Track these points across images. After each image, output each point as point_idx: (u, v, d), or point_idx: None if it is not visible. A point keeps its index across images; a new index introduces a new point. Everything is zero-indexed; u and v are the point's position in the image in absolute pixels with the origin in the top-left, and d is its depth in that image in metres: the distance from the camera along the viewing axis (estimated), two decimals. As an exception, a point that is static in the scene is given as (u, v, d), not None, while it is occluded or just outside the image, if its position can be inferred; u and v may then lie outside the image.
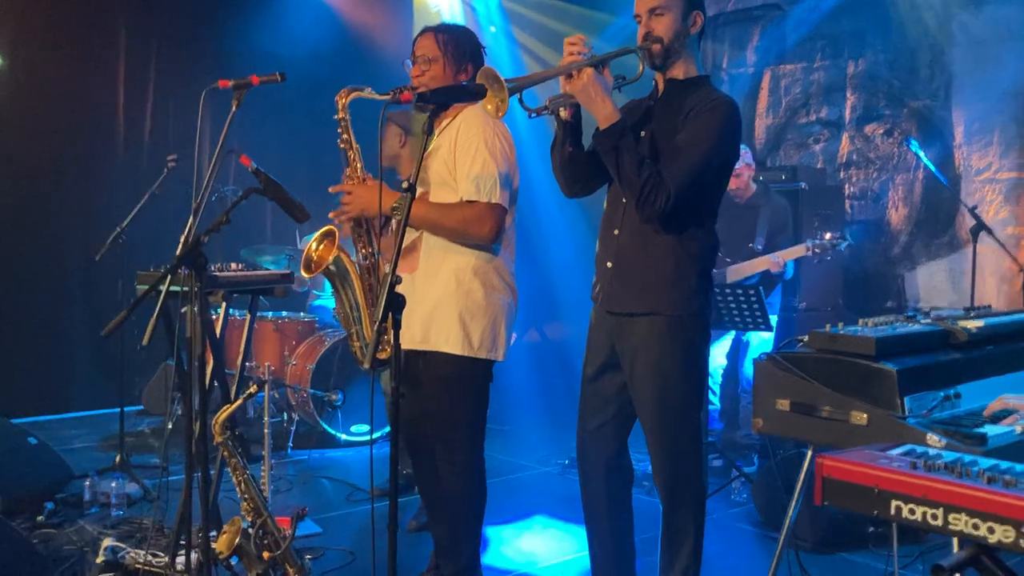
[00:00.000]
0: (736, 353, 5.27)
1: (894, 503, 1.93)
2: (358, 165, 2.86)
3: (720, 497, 4.55)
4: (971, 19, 5.67)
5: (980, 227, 4.61)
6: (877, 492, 1.96)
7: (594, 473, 2.91)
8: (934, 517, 1.88)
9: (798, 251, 4.74)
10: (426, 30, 2.95)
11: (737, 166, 4.91)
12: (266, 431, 3.51)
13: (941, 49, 5.82)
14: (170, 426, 5.54)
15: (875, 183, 6.15)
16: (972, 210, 4.83)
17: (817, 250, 4.68)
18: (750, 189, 5.14)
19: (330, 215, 2.88)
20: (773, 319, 4.92)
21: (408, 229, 2.85)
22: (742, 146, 5.17)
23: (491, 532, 4.11)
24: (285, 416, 5.88)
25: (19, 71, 6.10)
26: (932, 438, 2.30)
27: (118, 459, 4.75)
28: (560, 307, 6.90)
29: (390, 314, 2.22)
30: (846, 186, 6.22)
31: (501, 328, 2.94)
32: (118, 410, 5.00)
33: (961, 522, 1.84)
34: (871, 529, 3.94)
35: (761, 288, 4.37)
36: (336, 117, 2.83)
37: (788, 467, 4.01)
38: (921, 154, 4.85)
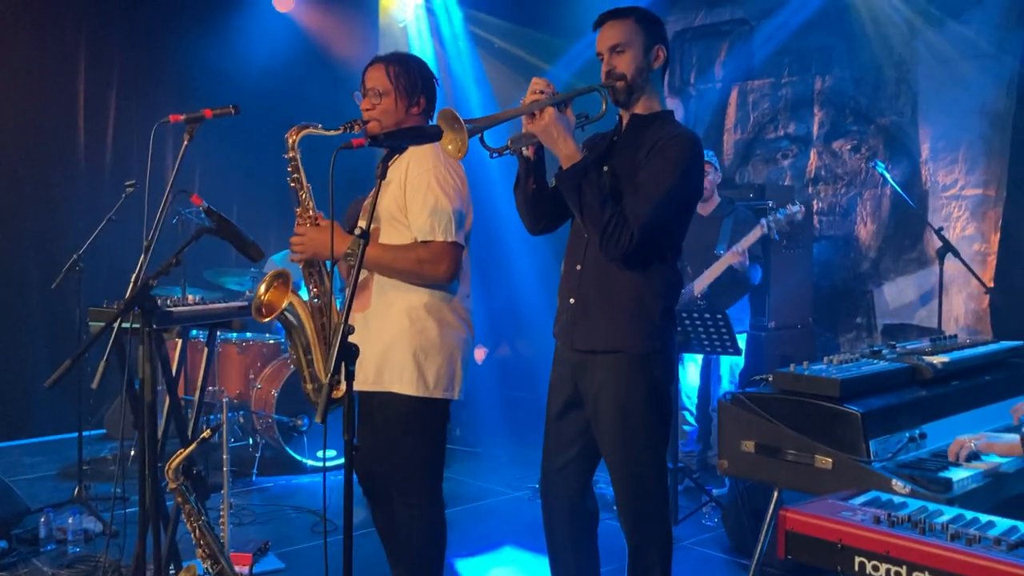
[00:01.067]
0: (708, 370, 5.25)
1: (857, 559, 1.90)
2: (310, 204, 2.78)
3: (691, 522, 4.51)
4: (935, 37, 5.68)
5: (947, 249, 4.60)
6: (840, 547, 1.93)
7: (558, 515, 2.85)
8: (897, 574, 1.85)
9: (755, 234, 4.69)
10: (376, 61, 2.87)
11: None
12: (225, 468, 3.42)
13: (907, 66, 5.83)
14: (132, 453, 5.41)
15: (843, 198, 6.15)
16: (939, 232, 4.83)
17: (773, 225, 4.64)
18: (715, 198, 5.14)
19: (290, 259, 2.81)
20: (742, 339, 4.90)
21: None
22: (707, 151, 5.16)
23: (458, 565, 4.04)
24: (250, 441, 5.77)
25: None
26: (897, 485, 2.27)
27: (76, 492, 4.62)
28: (528, 322, 6.86)
29: (343, 364, 2.15)
30: (815, 201, 6.22)
31: (457, 366, 2.86)
32: (76, 434, 4.88)
33: (924, 581, 1.81)
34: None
35: (728, 313, 4.34)
36: (286, 156, 2.75)
37: (755, 494, 3.98)
38: (887, 175, 4.85)
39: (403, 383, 2.76)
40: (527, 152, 2.66)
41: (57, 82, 6.40)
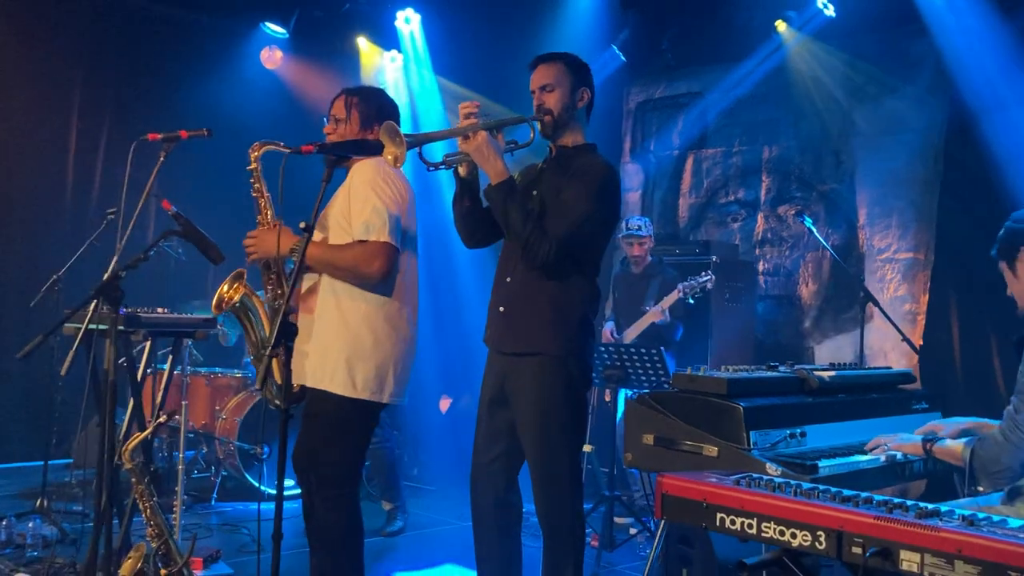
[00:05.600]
0: None
1: (719, 515, 2.18)
2: (268, 212, 3.09)
3: (625, 549, 4.74)
4: (871, 111, 6.15)
5: (868, 298, 4.95)
6: (705, 506, 2.20)
7: (484, 507, 3.12)
8: (750, 526, 2.13)
9: (673, 296, 5.25)
10: (341, 92, 3.24)
11: (644, 234, 5.44)
12: (180, 467, 3.65)
13: (845, 138, 6.29)
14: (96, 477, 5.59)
15: (787, 260, 6.53)
16: (861, 282, 5.19)
17: (688, 290, 5.20)
18: (647, 260, 5.61)
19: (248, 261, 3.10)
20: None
21: (313, 272, 3.09)
22: (645, 218, 5.67)
23: (400, 577, 4.27)
24: (212, 470, 5.96)
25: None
26: (770, 467, 2.55)
27: (38, 503, 4.81)
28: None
29: (283, 342, 2.45)
30: (761, 262, 6.60)
31: (388, 372, 3.09)
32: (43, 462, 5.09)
33: (771, 530, 2.09)
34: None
35: (663, 349, 4.65)
36: (248, 168, 3.06)
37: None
38: (814, 230, 5.23)
39: (334, 383, 3.02)
40: (462, 171, 3.01)
41: (51, 118, 6.77)
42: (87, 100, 6.92)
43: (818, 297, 6.38)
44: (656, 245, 6.07)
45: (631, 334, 5.34)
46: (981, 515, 1.93)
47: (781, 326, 6.52)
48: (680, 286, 5.22)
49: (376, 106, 3.20)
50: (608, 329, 5.62)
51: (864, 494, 2.10)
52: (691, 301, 5.33)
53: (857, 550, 1.92)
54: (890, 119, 6.05)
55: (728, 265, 5.99)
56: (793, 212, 6.49)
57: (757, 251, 6.68)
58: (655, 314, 5.29)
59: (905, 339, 5.05)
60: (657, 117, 7.39)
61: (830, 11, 6.02)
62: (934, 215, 5.81)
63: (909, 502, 2.07)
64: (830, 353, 6.25)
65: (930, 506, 2.01)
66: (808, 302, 6.42)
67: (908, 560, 1.86)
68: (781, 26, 6.31)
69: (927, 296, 5.83)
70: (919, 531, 1.86)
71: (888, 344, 5.90)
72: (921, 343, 5.69)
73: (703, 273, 5.27)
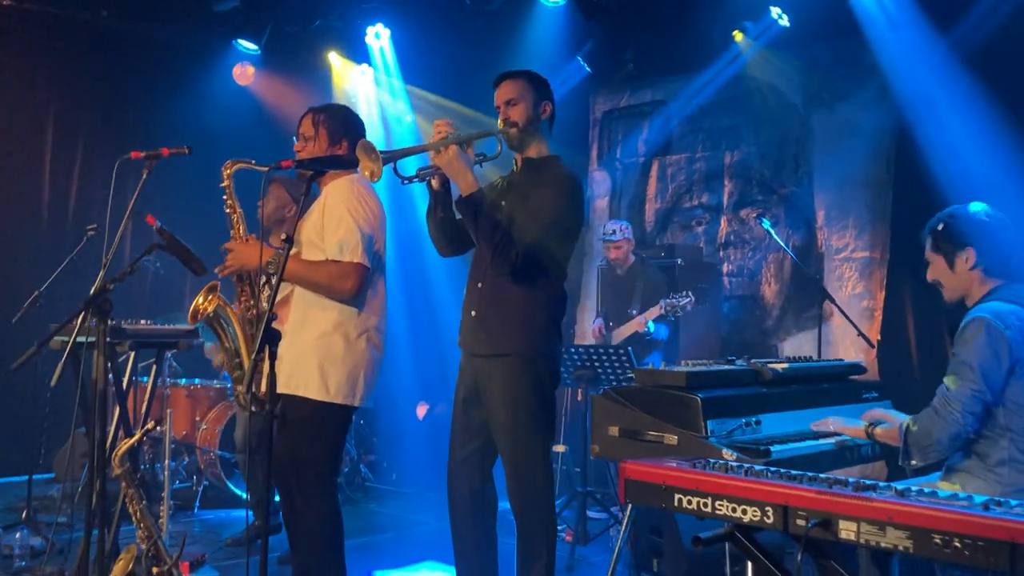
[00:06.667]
0: None
1: (676, 496, 2.36)
2: (240, 227, 3.22)
3: (599, 543, 4.92)
4: (826, 117, 6.40)
5: (824, 296, 5.17)
6: (664, 488, 2.38)
7: (461, 500, 3.29)
8: (705, 505, 2.31)
9: (655, 311, 5.47)
10: (308, 111, 3.38)
11: (617, 239, 5.65)
12: (167, 474, 3.78)
13: (803, 143, 6.53)
14: (80, 490, 5.68)
15: (750, 261, 6.75)
16: (818, 281, 5.41)
17: (668, 308, 5.41)
18: (629, 260, 5.79)
19: (215, 270, 3.23)
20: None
21: (286, 284, 3.24)
22: (623, 221, 5.87)
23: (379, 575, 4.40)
24: (194, 480, 6.07)
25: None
26: (727, 453, 2.73)
27: (24, 514, 4.90)
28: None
29: (267, 347, 2.59)
30: (725, 264, 6.81)
31: (359, 378, 3.25)
32: (26, 477, 5.17)
33: (724, 507, 2.27)
34: (732, 569, 4.32)
35: (631, 350, 4.83)
36: (221, 185, 3.20)
37: (654, 515, 4.39)
38: (772, 232, 5.44)
39: (308, 388, 3.17)
40: (435, 184, 3.18)
41: (25, 138, 6.88)
42: (61, 120, 7.03)
43: (780, 296, 6.61)
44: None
45: (619, 335, 5.56)
46: (914, 488, 2.12)
47: (745, 325, 6.73)
48: (662, 303, 5.43)
49: (342, 122, 3.35)
50: (597, 326, 5.82)
51: (809, 473, 2.29)
52: (672, 318, 5.56)
53: (801, 522, 2.10)
54: (844, 124, 6.29)
55: (693, 267, 6.20)
56: (755, 215, 6.71)
57: (721, 253, 6.89)
58: (639, 324, 5.53)
59: (861, 335, 5.27)
60: (623, 125, 7.60)
61: (784, 21, 6.26)
62: (888, 215, 6.05)
63: (850, 479, 2.25)
64: (793, 350, 6.46)
65: (868, 481, 2.20)
66: (771, 301, 6.64)
67: (846, 529, 2.05)
68: (738, 36, 6.54)
69: (883, 293, 6.06)
70: (855, 502, 2.05)
71: (847, 340, 6.12)
72: (879, 338, 5.92)
73: (684, 294, 5.47)
